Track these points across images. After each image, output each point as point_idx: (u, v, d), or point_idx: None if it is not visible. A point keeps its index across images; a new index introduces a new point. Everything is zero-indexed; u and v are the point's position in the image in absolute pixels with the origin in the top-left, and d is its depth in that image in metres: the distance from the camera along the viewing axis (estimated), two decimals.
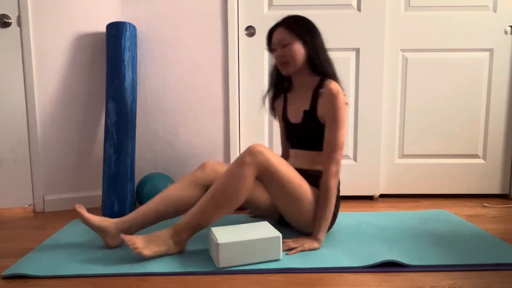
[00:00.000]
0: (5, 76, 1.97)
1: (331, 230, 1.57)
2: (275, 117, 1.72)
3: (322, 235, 1.37)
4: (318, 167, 1.51)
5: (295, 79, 1.54)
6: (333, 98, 1.39)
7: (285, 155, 1.75)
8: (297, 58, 1.44)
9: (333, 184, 1.37)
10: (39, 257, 1.31)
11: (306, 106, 1.48)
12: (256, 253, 1.23)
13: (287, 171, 1.35)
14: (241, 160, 1.30)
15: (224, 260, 1.20)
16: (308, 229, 1.44)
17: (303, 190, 1.37)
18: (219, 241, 1.19)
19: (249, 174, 1.29)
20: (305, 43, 1.44)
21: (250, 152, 1.30)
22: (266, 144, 2.16)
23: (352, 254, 1.30)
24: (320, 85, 1.46)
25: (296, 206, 1.38)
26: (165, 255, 1.30)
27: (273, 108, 1.68)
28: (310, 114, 1.47)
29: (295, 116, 1.54)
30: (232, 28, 2.06)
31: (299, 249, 1.33)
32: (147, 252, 1.24)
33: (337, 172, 1.39)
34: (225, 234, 1.25)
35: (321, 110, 1.44)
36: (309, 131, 1.48)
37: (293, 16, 1.47)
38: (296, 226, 1.46)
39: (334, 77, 1.48)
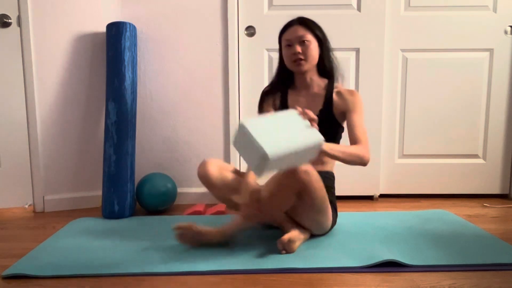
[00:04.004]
0: (5, 76, 1.97)
1: (331, 231, 1.57)
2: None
3: (330, 149, 1.29)
4: (328, 168, 1.53)
5: (301, 79, 1.53)
6: (353, 95, 1.48)
7: None
8: (314, 56, 1.47)
9: (362, 154, 1.36)
10: (39, 257, 1.31)
11: (319, 106, 1.50)
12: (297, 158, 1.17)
13: (322, 189, 1.34)
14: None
15: (265, 169, 1.11)
16: (321, 233, 1.48)
17: (328, 204, 1.39)
18: (268, 153, 1.06)
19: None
20: (320, 44, 1.48)
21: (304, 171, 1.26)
22: None
23: (352, 254, 1.30)
24: (331, 87, 1.51)
25: (319, 217, 1.39)
26: None
27: (261, 108, 1.62)
28: (327, 113, 1.49)
29: None
30: (232, 28, 2.06)
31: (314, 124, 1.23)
32: (185, 241, 1.36)
33: (368, 156, 1.39)
34: (268, 139, 1.10)
35: (340, 107, 1.48)
36: (323, 130, 1.44)
37: (307, 17, 1.50)
38: (310, 229, 1.46)
39: (340, 80, 1.55)
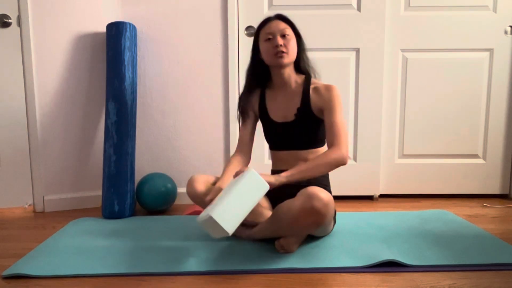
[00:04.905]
0: (5, 76, 1.97)
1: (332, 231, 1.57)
2: (243, 121, 1.58)
3: (286, 178, 1.29)
4: None
5: (279, 75, 1.48)
6: (330, 90, 1.43)
7: (241, 161, 1.54)
8: (295, 51, 1.46)
9: (334, 158, 1.32)
10: (39, 257, 1.31)
11: (297, 104, 1.47)
12: (247, 200, 1.21)
13: (333, 210, 1.31)
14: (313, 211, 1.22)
15: (228, 226, 1.16)
16: (323, 235, 1.47)
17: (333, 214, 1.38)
18: (226, 229, 1.14)
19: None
20: (299, 41, 1.48)
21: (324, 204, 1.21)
22: (264, 144, 2.15)
23: (352, 254, 1.30)
24: (308, 83, 1.48)
25: (323, 228, 1.40)
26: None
27: (243, 111, 1.57)
28: (305, 110, 1.46)
29: (283, 115, 1.50)
30: (232, 28, 2.06)
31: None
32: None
33: (344, 154, 1.33)
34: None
35: (317, 104, 1.44)
36: (304, 128, 1.47)
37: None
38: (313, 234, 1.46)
39: (316, 77, 1.53)
